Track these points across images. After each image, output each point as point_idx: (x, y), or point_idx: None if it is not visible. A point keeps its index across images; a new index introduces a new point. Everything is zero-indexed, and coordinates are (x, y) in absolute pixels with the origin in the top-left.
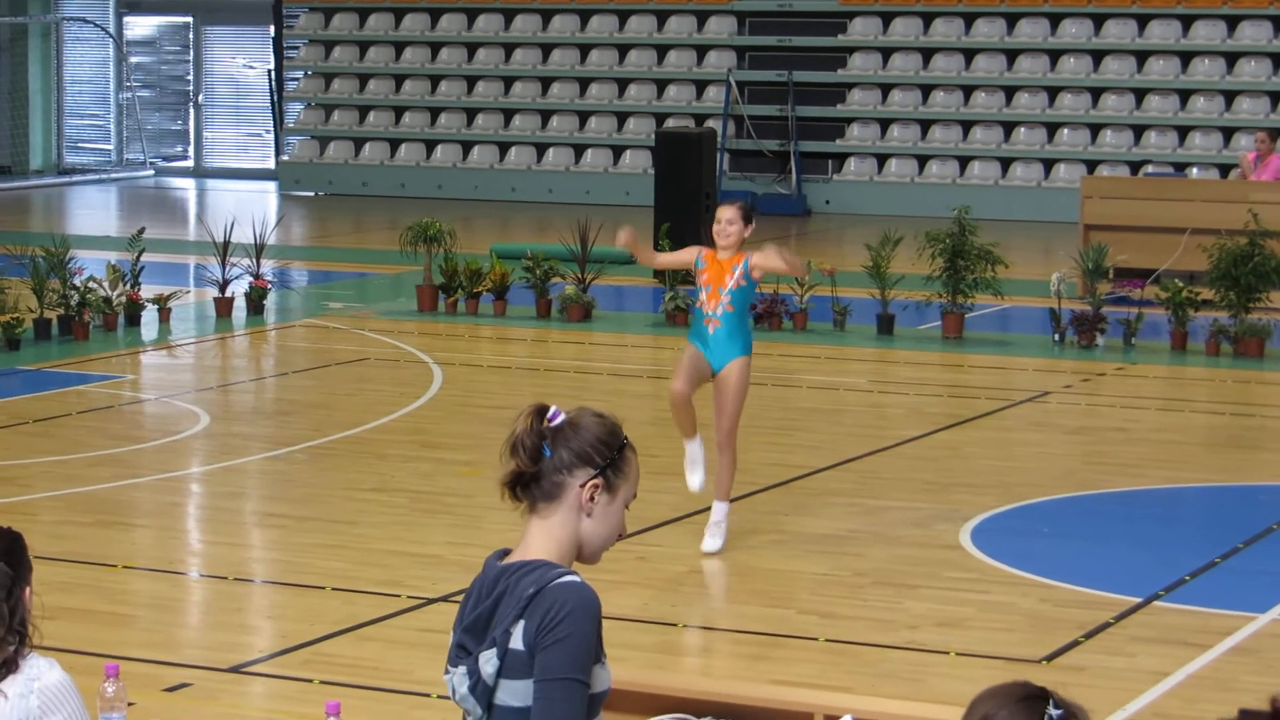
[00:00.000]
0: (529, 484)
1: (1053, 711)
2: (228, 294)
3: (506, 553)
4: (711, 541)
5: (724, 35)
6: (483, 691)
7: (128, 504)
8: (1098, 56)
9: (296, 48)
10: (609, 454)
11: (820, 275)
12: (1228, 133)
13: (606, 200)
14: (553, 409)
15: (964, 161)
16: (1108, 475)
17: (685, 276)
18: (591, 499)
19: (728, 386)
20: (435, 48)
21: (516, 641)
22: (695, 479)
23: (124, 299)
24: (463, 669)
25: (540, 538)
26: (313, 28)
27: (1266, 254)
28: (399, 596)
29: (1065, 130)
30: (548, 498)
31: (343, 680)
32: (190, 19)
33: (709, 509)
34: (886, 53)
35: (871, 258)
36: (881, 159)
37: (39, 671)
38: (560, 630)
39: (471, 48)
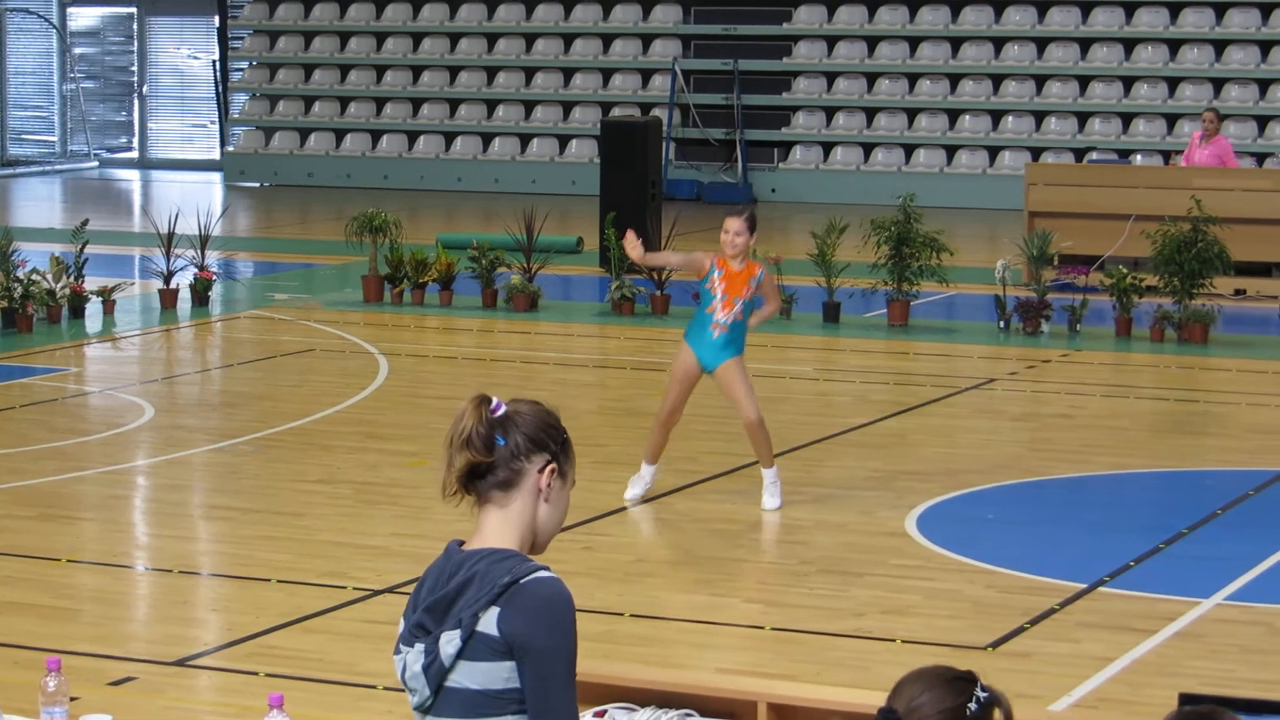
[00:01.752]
0: (484, 475)
1: (980, 693)
2: (172, 286)
3: (462, 543)
4: (770, 500)
5: (669, 24)
6: (437, 671)
7: (72, 497)
8: (1041, 44)
9: (241, 38)
10: (559, 437)
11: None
12: (1171, 119)
13: (552, 190)
14: (494, 400)
15: (909, 149)
16: (1053, 462)
17: (632, 265)
18: (549, 484)
19: (736, 384)
20: (380, 38)
21: (488, 626)
22: (634, 491)
23: (68, 291)
24: (420, 647)
25: (499, 526)
26: (257, 18)
27: (1209, 240)
28: (345, 588)
29: (1010, 118)
30: (505, 486)
31: (288, 673)
32: (134, 9)
33: (654, 499)
34: (831, 41)
35: (817, 245)
36: (827, 147)
37: None
38: (554, 637)
39: (416, 37)
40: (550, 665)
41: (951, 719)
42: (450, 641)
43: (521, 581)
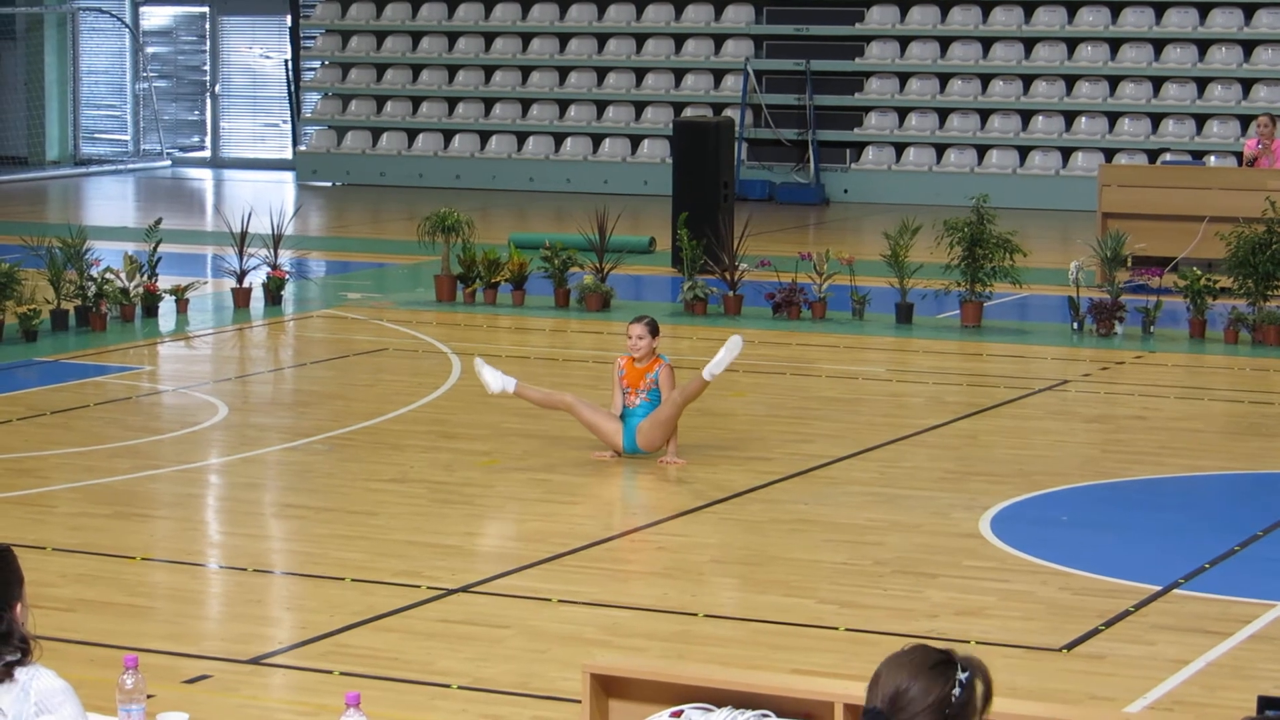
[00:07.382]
0: None
1: (960, 677)
2: (245, 285)
3: None
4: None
5: (741, 24)
6: None
7: (146, 495)
8: (1115, 45)
9: (313, 37)
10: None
11: (838, 264)
12: (1244, 120)
13: (624, 190)
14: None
15: (982, 150)
16: (1127, 463)
17: (704, 265)
18: None
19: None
20: (452, 37)
21: None
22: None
23: (141, 290)
24: None
25: None
26: (329, 17)
27: None
28: (418, 587)
29: (1083, 119)
30: None
31: (362, 671)
32: (206, 9)
33: (728, 499)
34: (904, 41)
35: (890, 246)
36: (899, 148)
37: (35, 674)
38: None
39: (489, 37)
40: None
41: (939, 708)
42: None
43: None
